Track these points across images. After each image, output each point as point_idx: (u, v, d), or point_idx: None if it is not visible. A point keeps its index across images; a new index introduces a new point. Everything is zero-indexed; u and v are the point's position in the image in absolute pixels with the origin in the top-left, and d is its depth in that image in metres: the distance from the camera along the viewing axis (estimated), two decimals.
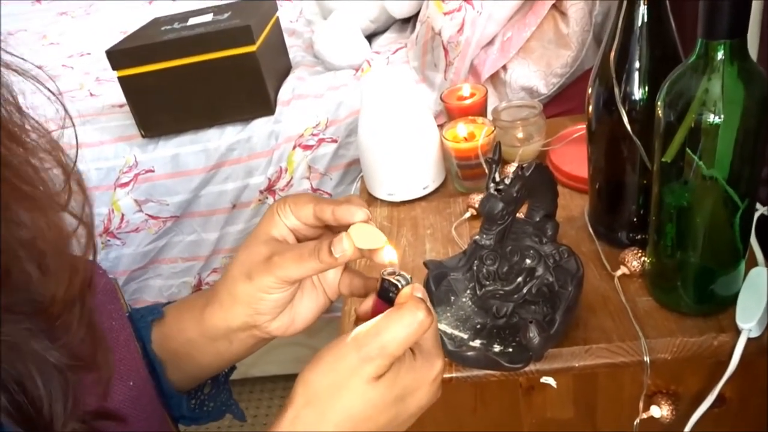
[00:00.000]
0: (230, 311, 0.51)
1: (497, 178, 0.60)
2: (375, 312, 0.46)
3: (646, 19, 0.61)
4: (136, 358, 0.53)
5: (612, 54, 0.64)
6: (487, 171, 0.84)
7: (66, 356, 0.38)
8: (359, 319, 0.48)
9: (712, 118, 0.53)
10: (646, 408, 0.66)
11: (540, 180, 0.64)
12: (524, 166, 0.61)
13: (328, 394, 0.42)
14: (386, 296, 0.45)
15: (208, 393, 0.62)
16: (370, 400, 0.41)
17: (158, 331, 0.57)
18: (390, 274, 0.45)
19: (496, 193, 0.60)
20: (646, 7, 0.61)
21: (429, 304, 0.43)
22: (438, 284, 0.68)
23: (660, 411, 0.66)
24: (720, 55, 0.52)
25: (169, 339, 0.56)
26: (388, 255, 0.46)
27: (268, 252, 0.49)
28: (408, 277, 0.45)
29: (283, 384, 1.69)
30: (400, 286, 0.44)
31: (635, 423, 0.66)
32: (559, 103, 1.16)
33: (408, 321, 0.41)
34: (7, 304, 0.35)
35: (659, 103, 0.57)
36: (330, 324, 1.44)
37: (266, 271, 0.48)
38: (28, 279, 0.36)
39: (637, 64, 0.63)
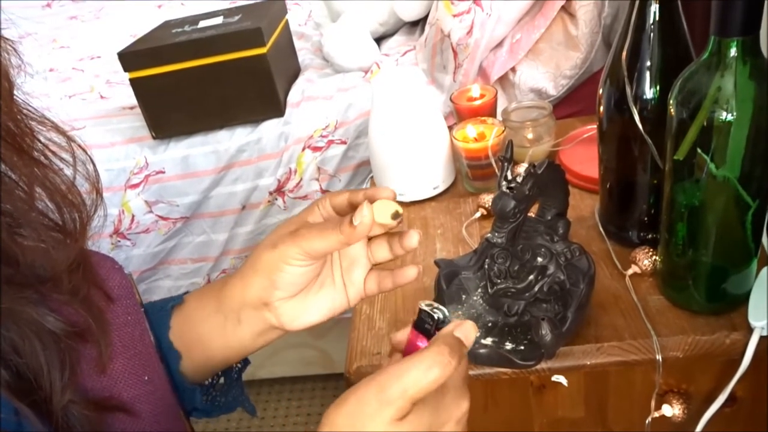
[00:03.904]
0: (248, 281, 0.53)
1: (509, 176, 0.61)
2: (409, 342, 0.46)
3: (657, 18, 0.62)
4: (151, 353, 0.53)
5: (624, 53, 0.64)
6: (498, 170, 0.85)
7: (62, 322, 0.39)
8: (393, 349, 0.49)
9: (725, 116, 0.53)
10: (658, 407, 0.66)
11: (552, 178, 0.64)
12: (536, 164, 0.61)
13: None
14: (422, 327, 0.45)
15: (220, 389, 0.62)
16: None
17: (178, 317, 0.58)
18: (428, 305, 0.45)
19: (508, 191, 0.60)
20: (657, 5, 0.61)
21: (463, 341, 0.43)
22: (449, 283, 0.68)
23: (672, 410, 0.65)
24: (733, 52, 0.52)
25: (187, 323, 0.57)
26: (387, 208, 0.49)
27: (297, 228, 0.51)
28: (445, 311, 0.45)
29: (290, 386, 1.69)
30: (435, 317, 0.44)
31: (647, 422, 0.66)
32: (568, 105, 1.16)
33: (428, 365, 0.40)
34: (4, 275, 0.37)
35: (671, 101, 0.57)
36: (338, 324, 1.45)
37: (291, 241, 0.50)
38: (22, 251, 0.38)
39: (648, 63, 0.64)
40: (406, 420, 0.41)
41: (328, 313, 0.55)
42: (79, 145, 0.41)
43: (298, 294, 0.53)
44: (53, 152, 0.40)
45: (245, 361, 0.64)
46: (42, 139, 0.40)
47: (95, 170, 0.43)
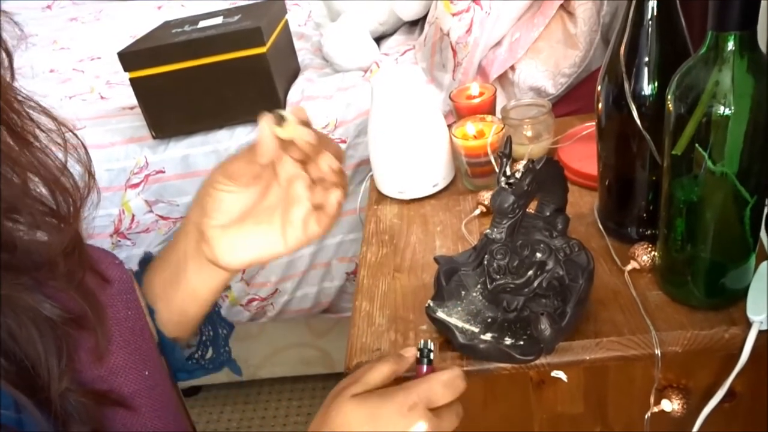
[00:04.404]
0: (189, 213, 0.56)
1: (508, 172, 0.61)
2: (418, 374, 0.54)
3: (655, 13, 0.62)
4: (151, 347, 0.54)
5: (622, 49, 0.64)
6: (497, 166, 0.85)
7: (58, 309, 0.40)
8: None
9: (722, 110, 0.53)
10: (657, 402, 0.66)
11: (550, 174, 0.64)
12: (534, 160, 0.61)
13: None
14: (421, 360, 0.55)
15: (209, 358, 0.65)
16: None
17: (148, 274, 0.60)
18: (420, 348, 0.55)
19: (507, 186, 0.60)
20: (655, 1, 0.61)
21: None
22: (449, 279, 0.68)
23: (671, 405, 0.66)
24: (730, 46, 0.52)
25: (153, 275, 0.59)
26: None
27: None
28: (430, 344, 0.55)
29: (291, 386, 1.70)
30: (425, 351, 0.55)
31: (646, 417, 0.66)
32: (567, 103, 1.17)
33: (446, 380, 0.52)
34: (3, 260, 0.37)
35: (669, 96, 0.57)
36: (338, 324, 1.45)
37: (217, 168, 0.54)
38: (16, 236, 0.38)
39: (646, 59, 0.64)
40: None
41: (260, 253, 0.55)
42: (69, 129, 0.42)
43: (231, 227, 0.54)
44: (46, 134, 0.40)
45: (230, 326, 0.66)
46: (33, 123, 0.40)
47: (86, 153, 0.43)
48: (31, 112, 0.39)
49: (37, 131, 0.40)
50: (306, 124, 0.50)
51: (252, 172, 0.53)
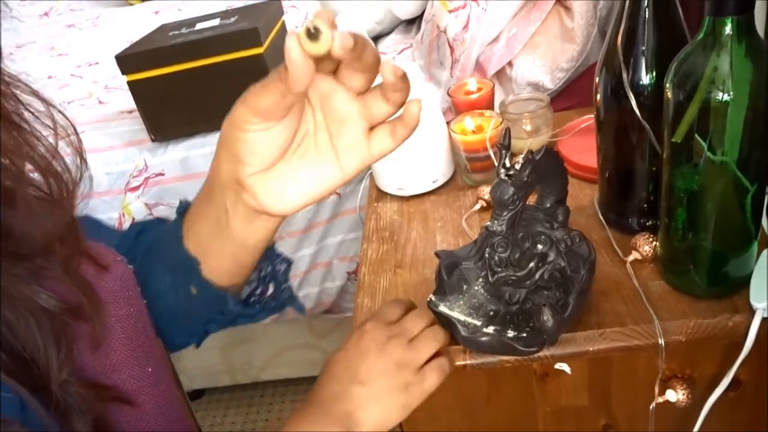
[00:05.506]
0: (217, 162, 0.48)
1: (507, 164, 0.61)
2: None
3: (652, 1, 0.62)
4: (153, 343, 0.53)
5: (619, 38, 0.64)
6: (496, 160, 0.85)
7: (55, 299, 0.39)
8: None
9: (721, 96, 0.53)
10: (662, 392, 0.66)
11: (550, 165, 0.64)
12: (534, 151, 0.61)
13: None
14: None
15: (270, 296, 0.60)
16: None
17: (187, 223, 0.54)
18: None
19: (506, 178, 0.60)
20: None
21: None
22: (450, 273, 0.68)
23: (675, 395, 0.65)
24: (727, 31, 0.52)
25: (194, 226, 0.53)
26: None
27: None
28: None
29: (294, 387, 1.69)
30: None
31: (651, 408, 0.66)
32: (565, 97, 1.16)
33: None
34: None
35: (668, 84, 0.57)
36: (341, 324, 1.45)
37: (240, 105, 0.44)
38: (13, 223, 0.38)
39: (643, 48, 0.64)
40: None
41: (315, 188, 0.47)
42: (58, 109, 0.41)
43: (271, 168, 0.46)
44: (35, 117, 0.40)
45: (288, 262, 0.60)
46: (22, 105, 0.39)
47: (77, 136, 0.42)
48: (18, 93, 0.39)
49: (27, 114, 0.39)
50: (335, 26, 0.40)
51: (286, 104, 0.43)
